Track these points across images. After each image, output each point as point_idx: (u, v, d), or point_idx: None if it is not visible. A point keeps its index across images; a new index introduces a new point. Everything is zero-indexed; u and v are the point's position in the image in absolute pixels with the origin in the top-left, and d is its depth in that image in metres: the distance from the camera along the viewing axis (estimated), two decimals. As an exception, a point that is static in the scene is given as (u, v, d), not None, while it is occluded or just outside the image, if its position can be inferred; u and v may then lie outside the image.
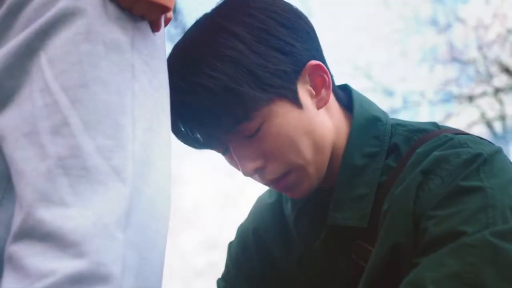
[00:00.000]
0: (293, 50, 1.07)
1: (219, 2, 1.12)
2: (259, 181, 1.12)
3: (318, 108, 1.10)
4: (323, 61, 1.12)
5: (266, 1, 1.10)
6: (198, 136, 1.08)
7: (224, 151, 1.11)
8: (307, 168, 1.09)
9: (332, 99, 1.13)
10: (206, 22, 1.08)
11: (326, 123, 1.11)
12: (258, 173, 1.09)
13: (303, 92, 1.09)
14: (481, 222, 0.96)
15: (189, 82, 1.03)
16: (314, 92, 1.10)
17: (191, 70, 1.03)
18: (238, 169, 1.11)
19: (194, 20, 1.13)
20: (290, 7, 1.11)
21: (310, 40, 1.11)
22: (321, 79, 1.10)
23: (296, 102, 1.07)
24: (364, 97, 1.18)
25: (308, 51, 1.09)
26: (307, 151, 1.08)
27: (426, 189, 1.01)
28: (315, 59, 1.10)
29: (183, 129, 1.08)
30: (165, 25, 0.91)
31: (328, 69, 1.12)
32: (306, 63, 1.08)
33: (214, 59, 1.03)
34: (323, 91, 1.10)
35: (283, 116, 1.06)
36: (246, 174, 1.09)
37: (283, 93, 1.06)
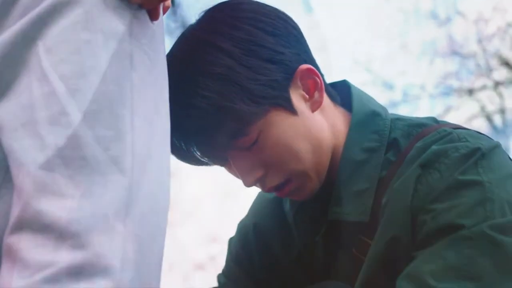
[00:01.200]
0: (283, 58, 1.07)
1: (203, 15, 1.10)
2: (261, 189, 1.13)
3: (313, 111, 1.10)
4: (313, 62, 1.12)
5: (251, 9, 1.09)
6: (196, 154, 1.08)
7: (223, 163, 1.11)
8: (308, 172, 1.09)
9: (325, 99, 1.12)
10: (192, 38, 1.07)
11: (322, 124, 1.11)
12: (259, 182, 1.10)
13: (296, 98, 1.08)
14: (479, 215, 0.97)
15: (182, 104, 1.02)
16: (307, 96, 1.10)
17: (182, 91, 1.03)
18: (239, 178, 1.11)
19: (193, 14, 1.12)
20: (275, 13, 1.10)
21: (298, 44, 1.10)
22: (313, 82, 1.10)
23: (290, 109, 1.07)
24: (363, 92, 1.18)
25: (297, 56, 1.09)
26: (307, 156, 1.08)
27: (424, 182, 1.01)
28: (305, 62, 1.09)
29: (180, 149, 1.08)
30: (164, 14, 0.91)
31: (319, 70, 1.12)
32: (297, 68, 1.08)
33: (204, 78, 1.02)
34: (316, 94, 1.10)
35: (279, 125, 1.06)
36: (247, 185, 1.10)
37: (277, 102, 1.06)
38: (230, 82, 1.03)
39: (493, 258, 0.95)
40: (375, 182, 1.09)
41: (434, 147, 1.03)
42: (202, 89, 1.03)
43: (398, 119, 1.14)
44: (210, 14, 1.10)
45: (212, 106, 1.02)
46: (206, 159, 1.10)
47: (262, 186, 1.11)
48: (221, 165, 1.12)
